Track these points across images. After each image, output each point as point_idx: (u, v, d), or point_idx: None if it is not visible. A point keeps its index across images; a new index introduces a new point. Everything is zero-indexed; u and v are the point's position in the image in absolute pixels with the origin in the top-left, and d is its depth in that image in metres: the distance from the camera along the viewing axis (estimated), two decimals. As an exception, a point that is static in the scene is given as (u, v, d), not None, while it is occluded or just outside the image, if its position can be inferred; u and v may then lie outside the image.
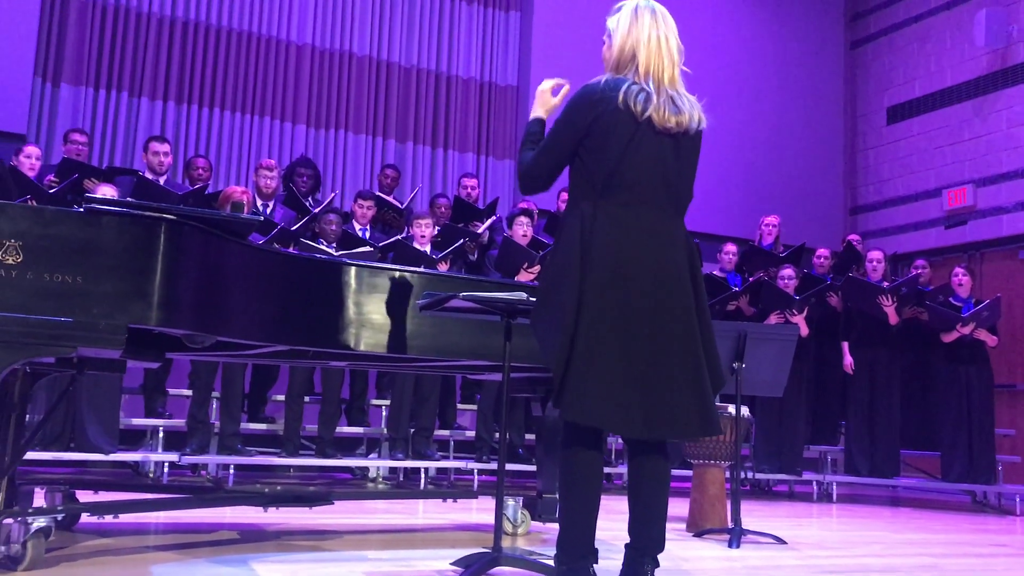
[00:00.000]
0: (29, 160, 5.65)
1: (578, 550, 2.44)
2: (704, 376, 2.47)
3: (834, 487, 7.19)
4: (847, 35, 10.85)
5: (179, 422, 5.86)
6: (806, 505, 6.69)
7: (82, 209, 2.54)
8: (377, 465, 6.35)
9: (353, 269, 3.36)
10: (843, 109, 10.69)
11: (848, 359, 6.98)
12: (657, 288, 2.45)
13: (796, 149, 10.25)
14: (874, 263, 7.09)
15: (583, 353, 2.39)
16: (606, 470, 6.79)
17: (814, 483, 7.23)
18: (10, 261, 2.44)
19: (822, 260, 7.64)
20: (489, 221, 6.78)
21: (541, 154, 2.59)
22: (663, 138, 2.51)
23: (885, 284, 6.95)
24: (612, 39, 2.59)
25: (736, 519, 4.17)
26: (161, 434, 5.83)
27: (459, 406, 6.94)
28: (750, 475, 7.00)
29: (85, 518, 3.59)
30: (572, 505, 2.45)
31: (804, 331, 6.67)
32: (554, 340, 2.43)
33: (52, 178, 5.68)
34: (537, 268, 6.04)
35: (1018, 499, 6.84)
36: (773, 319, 6.73)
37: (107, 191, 5.05)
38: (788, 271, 6.94)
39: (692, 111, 2.54)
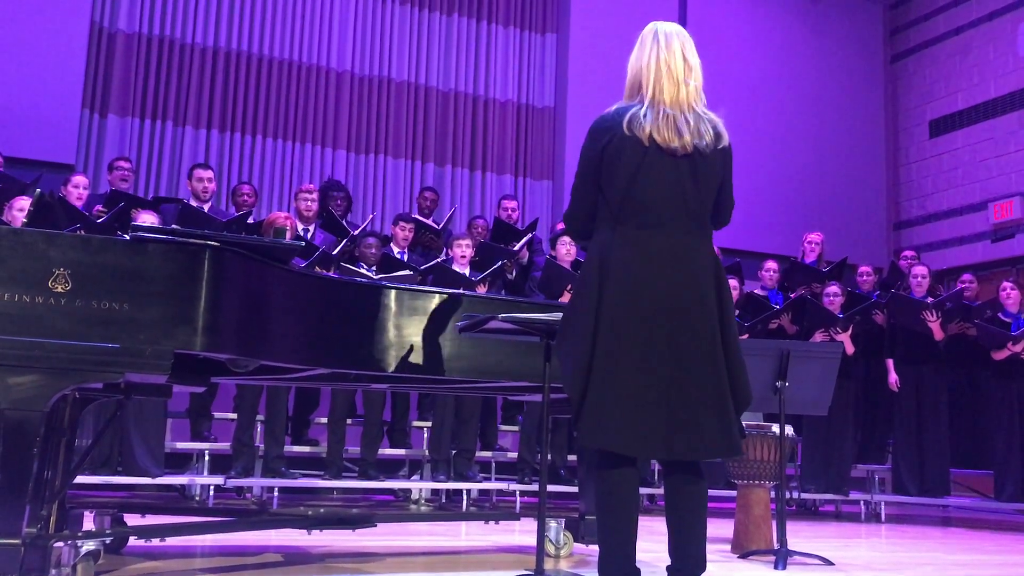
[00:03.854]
0: (77, 190, 5.77)
1: (619, 571, 2.42)
2: (727, 397, 2.46)
3: (882, 507, 7.06)
4: (887, 49, 10.76)
5: (224, 445, 5.93)
6: (854, 526, 6.58)
7: (128, 237, 2.60)
8: (419, 487, 6.36)
9: (393, 292, 3.39)
10: (884, 123, 10.58)
11: (893, 376, 6.87)
12: (676, 308, 2.46)
13: (838, 164, 10.16)
14: (918, 278, 6.98)
15: (600, 378, 2.41)
16: (646, 491, 6.73)
17: (862, 503, 7.11)
18: (59, 289, 2.49)
19: (866, 277, 7.54)
20: (525, 239, 6.79)
21: (573, 198, 2.65)
22: (677, 160, 2.51)
23: (930, 300, 6.84)
24: (627, 71, 2.64)
25: (782, 540, 4.11)
26: (207, 457, 5.90)
27: (501, 427, 6.94)
28: (796, 495, 6.90)
29: (133, 541, 3.64)
30: (609, 525, 2.44)
31: (850, 349, 6.58)
32: (572, 365, 2.46)
33: (100, 208, 5.81)
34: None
35: (1074, 519, 6.67)
36: (818, 337, 6.64)
37: (148, 218, 5.15)
38: (834, 288, 6.85)
39: (703, 131, 2.52)
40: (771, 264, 7.48)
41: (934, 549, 5.14)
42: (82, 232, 5.03)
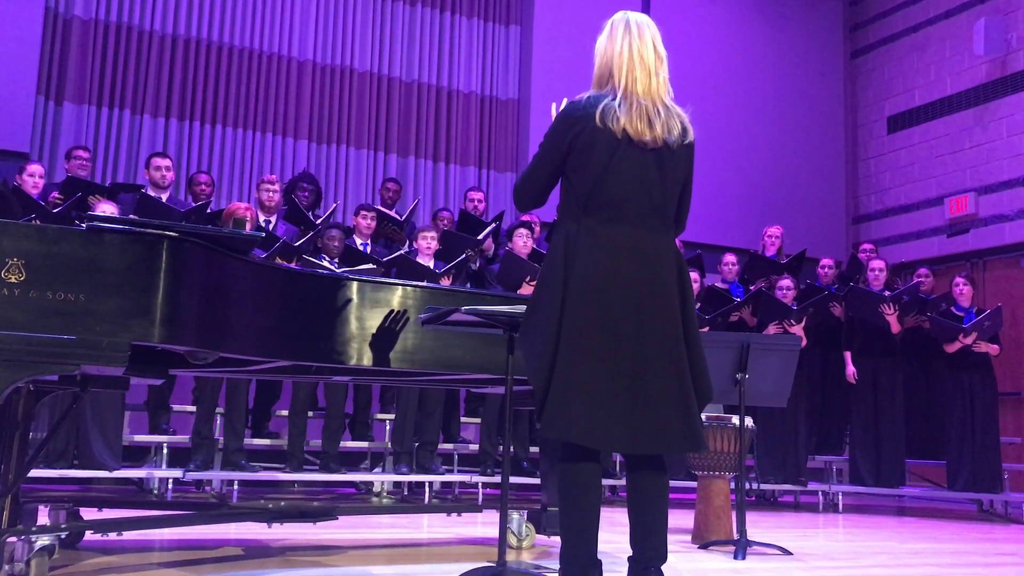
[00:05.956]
0: (32, 179, 5.68)
1: (580, 562, 2.43)
2: (689, 391, 2.47)
3: (840, 497, 7.17)
4: (847, 45, 10.88)
5: (183, 438, 5.86)
6: (812, 516, 6.67)
7: (84, 227, 2.56)
8: (381, 479, 6.34)
9: (355, 284, 3.37)
10: (844, 119, 10.71)
11: (851, 368, 6.97)
12: (640, 303, 2.46)
13: (797, 159, 10.27)
14: (876, 272, 7.09)
15: (564, 370, 2.41)
16: (609, 482, 6.77)
17: (819, 493, 7.21)
18: (13, 279, 2.45)
19: (826, 270, 7.65)
20: (490, 227, 6.79)
21: (528, 171, 2.63)
22: (645, 153, 2.51)
23: (887, 293, 6.95)
24: (595, 58, 2.63)
25: (741, 531, 4.16)
26: (165, 450, 5.83)
27: (463, 419, 6.94)
28: (755, 486, 6.98)
29: (89, 535, 3.59)
30: (571, 517, 2.45)
31: (802, 342, 6.67)
32: (536, 357, 2.46)
33: (56, 195, 5.71)
34: (538, 282, 6.04)
35: (1025, 507, 6.82)
36: (772, 329, 6.72)
37: (107, 208, 5.07)
38: (786, 281, 6.94)
39: (672, 125, 2.53)
40: (730, 257, 7.56)
41: (890, 538, 5.23)
42: (37, 222, 4.94)
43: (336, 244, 5.95)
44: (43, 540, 2.75)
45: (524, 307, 2.85)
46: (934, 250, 9.64)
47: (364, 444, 6.53)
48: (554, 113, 2.71)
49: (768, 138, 10.13)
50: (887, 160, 10.35)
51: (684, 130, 2.56)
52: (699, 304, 6.82)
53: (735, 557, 4.05)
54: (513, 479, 6.06)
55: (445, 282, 5.88)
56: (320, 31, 8.49)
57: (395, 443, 6.20)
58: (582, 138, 2.50)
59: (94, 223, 2.57)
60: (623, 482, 6.70)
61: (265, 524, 3.85)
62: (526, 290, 6.07)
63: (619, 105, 2.50)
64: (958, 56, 9.60)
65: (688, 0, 9.93)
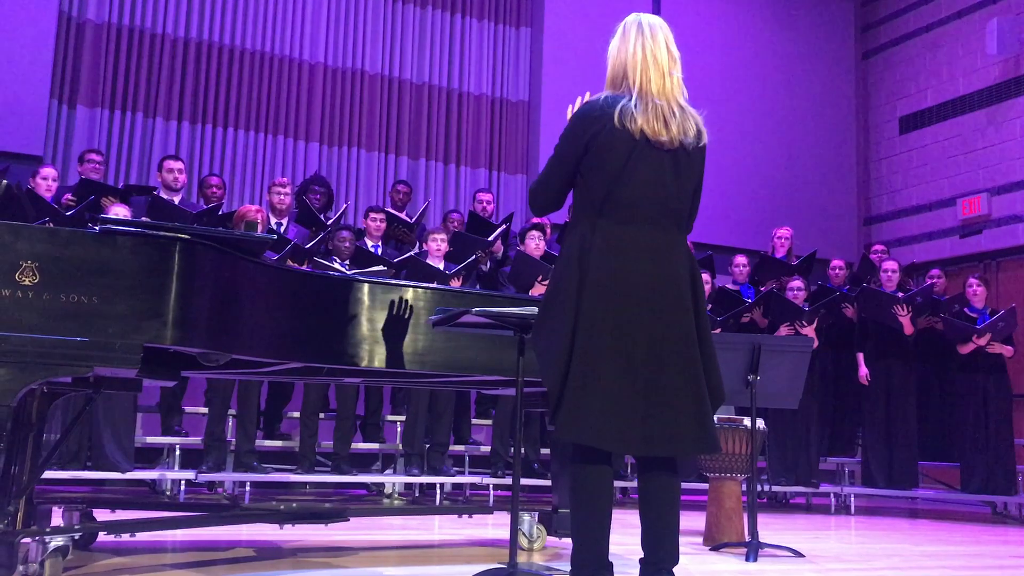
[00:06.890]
0: (46, 182, 5.70)
1: (592, 564, 2.43)
2: (703, 393, 2.47)
3: (852, 499, 7.14)
4: (858, 46, 10.85)
5: (195, 440, 5.88)
6: (824, 518, 6.64)
7: (97, 229, 2.57)
8: (392, 481, 6.35)
9: (366, 286, 3.38)
10: (855, 120, 10.67)
11: (863, 370, 6.94)
12: (655, 305, 2.46)
13: (809, 160, 10.24)
14: (889, 273, 7.06)
15: (579, 372, 2.40)
16: (620, 484, 6.76)
17: (832, 495, 7.18)
18: (27, 282, 2.46)
19: (837, 271, 7.62)
20: (500, 228, 6.78)
21: (544, 174, 2.62)
22: (662, 154, 2.51)
23: (900, 294, 6.92)
24: (608, 60, 2.63)
25: (753, 532, 4.15)
26: (178, 452, 5.85)
27: (474, 421, 6.94)
28: (767, 488, 6.96)
29: (102, 537, 3.61)
30: (583, 519, 2.45)
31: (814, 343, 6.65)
32: (550, 359, 2.45)
33: (70, 197, 5.74)
34: (551, 281, 6.03)
35: (1039, 510, 6.78)
36: (783, 331, 6.70)
37: (120, 211, 5.09)
38: (797, 283, 6.92)
39: (687, 126, 2.53)
40: (741, 259, 7.54)
41: (902, 540, 5.21)
42: (51, 224, 4.96)
43: (347, 246, 5.96)
44: (57, 541, 2.76)
45: (534, 308, 2.85)
46: (947, 251, 9.60)
47: (375, 446, 6.53)
48: (571, 114, 2.71)
49: (779, 139, 10.10)
50: (899, 161, 10.31)
51: (699, 132, 2.57)
52: (710, 305, 6.81)
53: (747, 559, 4.03)
54: (524, 481, 6.06)
55: (455, 284, 5.88)
56: (331, 34, 8.52)
57: (406, 445, 6.21)
58: (600, 139, 2.50)
59: (107, 225, 2.58)
60: (634, 484, 6.70)
61: (277, 525, 3.86)
62: (538, 290, 6.06)
63: (635, 105, 2.50)
64: (970, 56, 9.55)
65: (699, 1, 9.92)
